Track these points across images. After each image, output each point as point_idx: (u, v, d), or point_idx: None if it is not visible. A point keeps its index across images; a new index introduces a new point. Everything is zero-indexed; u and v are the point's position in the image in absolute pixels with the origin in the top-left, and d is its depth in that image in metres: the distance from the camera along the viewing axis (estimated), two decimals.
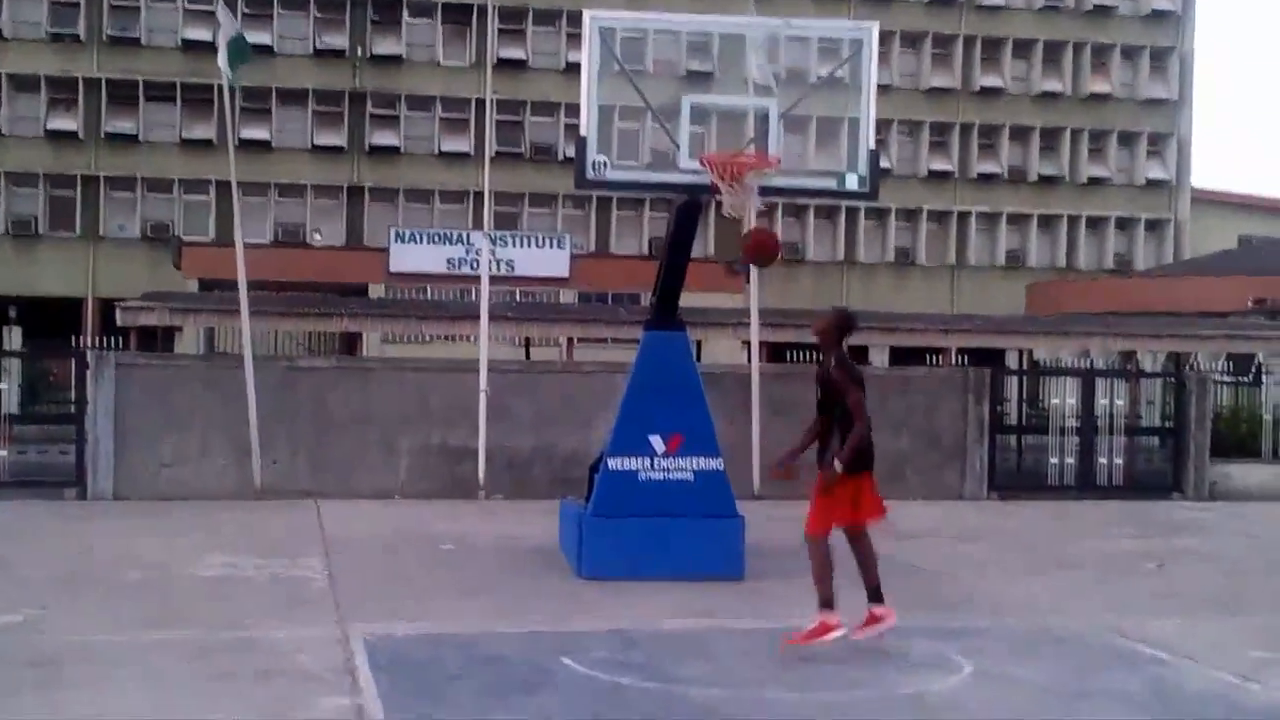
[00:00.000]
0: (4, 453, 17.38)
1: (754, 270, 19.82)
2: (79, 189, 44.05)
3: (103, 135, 44.06)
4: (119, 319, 25.01)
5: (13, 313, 37.16)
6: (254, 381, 16.78)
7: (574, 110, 12.95)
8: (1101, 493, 19.12)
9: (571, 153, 16.00)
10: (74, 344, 20.85)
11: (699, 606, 10.16)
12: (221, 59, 17.15)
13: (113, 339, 21.57)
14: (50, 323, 37.76)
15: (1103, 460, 19.45)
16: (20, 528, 14.27)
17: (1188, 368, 23.79)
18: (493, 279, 19.72)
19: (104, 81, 44.07)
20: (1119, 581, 12.21)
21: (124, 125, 44.26)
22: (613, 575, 11.21)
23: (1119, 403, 19.77)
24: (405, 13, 46.34)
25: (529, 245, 37.99)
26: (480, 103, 43.79)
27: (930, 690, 7.85)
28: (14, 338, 31.52)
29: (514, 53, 45.84)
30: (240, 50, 17.22)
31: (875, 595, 8.80)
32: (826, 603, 8.65)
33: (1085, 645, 9.29)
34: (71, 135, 43.81)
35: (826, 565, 8.75)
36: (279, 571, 11.67)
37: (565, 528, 12.63)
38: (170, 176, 44.20)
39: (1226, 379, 22.23)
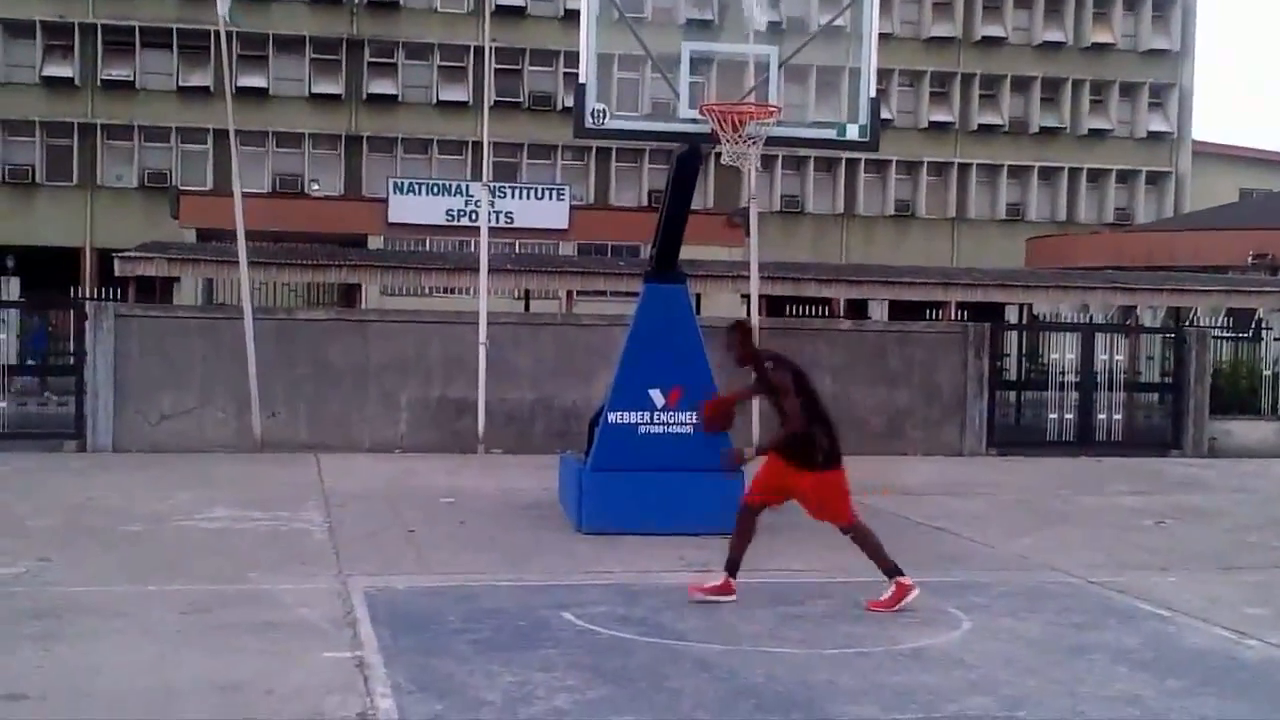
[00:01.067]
0: (3, 404, 17.38)
1: (754, 223, 19.78)
2: (76, 137, 43.80)
3: (99, 82, 43.78)
4: (117, 269, 24.93)
5: (10, 262, 37.04)
6: (253, 333, 16.76)
7: (573, 59, 12.87)
8: (1101, 449, 19.15)
9: (570, 102, 15.86)
10: (72, 294, 20.79)
11: (698, 561, 10.17)
12: (220, 3, 17.03)
13: (111, 289, 21.48)
14: (49, 273, 37.71)
15: (1102, 416, 19.48)
16: (20, 480, 14.28)
17: (1187, 323, 23.77)
18: (492, 230, 19.66)
19: (99, 27, 43.74)
20: (1118, 537, 12.24)
21: (121, 72, 43.97)
22: (612, 529, 11.22)
23: (1118, 358, 19.78)
24: None
25: (528, 197, 37.92)
26: (479, 50, 43.50)
27: (930, 645, 7.87)
28: (12, 288, 31.39)
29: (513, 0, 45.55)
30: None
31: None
32: (893, 570, 8.71)
33: (1084, 600, 9.32)
34: (68, 82, 43.53)
35: (872, 544, 8.82)
36: (279, 524, 11.68)
37: (565, 482, 12.64)
38: (168, 125, 43.95)
39: (1226, 334, 22.21)
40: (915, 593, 8.65)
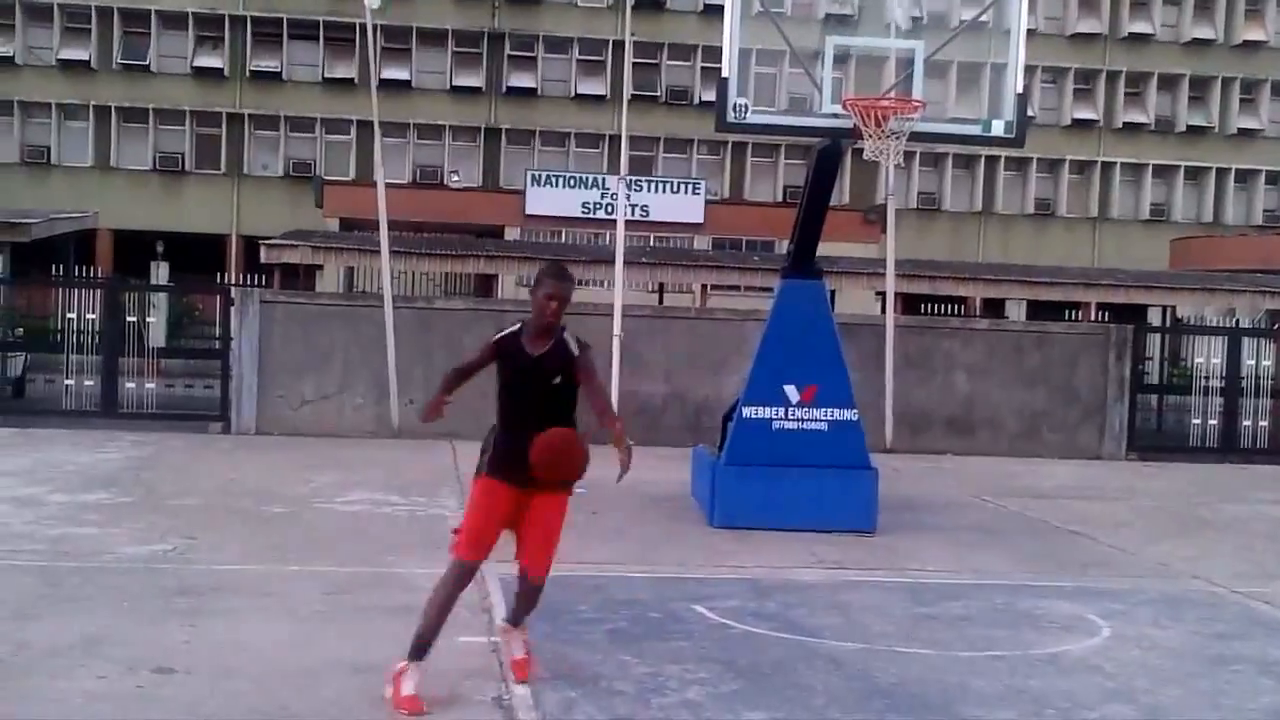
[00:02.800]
0: (152, 385, 17.88)
1: (891, 220, 19.60)
2: (224, 127, 44.87)
3: (247, 74, 44.78)
4: (263, 256, 25.49)
5: (160, 248, 38.09)
6: (392, 321, 17.03)
7: (710, 53, 12.89)
8: (1245, 456, 18.67)
9: (707, 96, 15.89)
10: (219, 280, 21.31)
11: (831, 558, 10.13)
12: None
13: (256, 276, 21.98)
14: (196, 259, 38.72)
15: (1247, 423, 18.99)
16: (168, 460, 14.69)
17: None
18: (627, 224, 19.74)
19: (249, 19, 44.74)
20: (1262, 547, 11.93)
21: (268, 64, 44.92)
22: (745, 524, 11.23)
23: (1265, 363, 19.26)
24: None
25: (664, 190, 37.97)
26: (618, 44, 43.71)
27: (1068, 651, 7.74)
28: (162, 273, 32.29)
29: None
30: None
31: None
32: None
33: (1227, 610, 9.10)
34: (217, 73, 44.58)
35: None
36: (416, 509, 11.87)
37: (698, 475, 12.66)
38: (313, 115, 44.82)
39: None
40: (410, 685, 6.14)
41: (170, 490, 12.47)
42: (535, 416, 6.42)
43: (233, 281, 21.02)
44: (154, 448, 15.46)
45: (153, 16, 44.12)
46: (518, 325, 6.58)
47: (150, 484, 12.82)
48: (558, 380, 6.49)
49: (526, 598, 6.59)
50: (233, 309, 17.41)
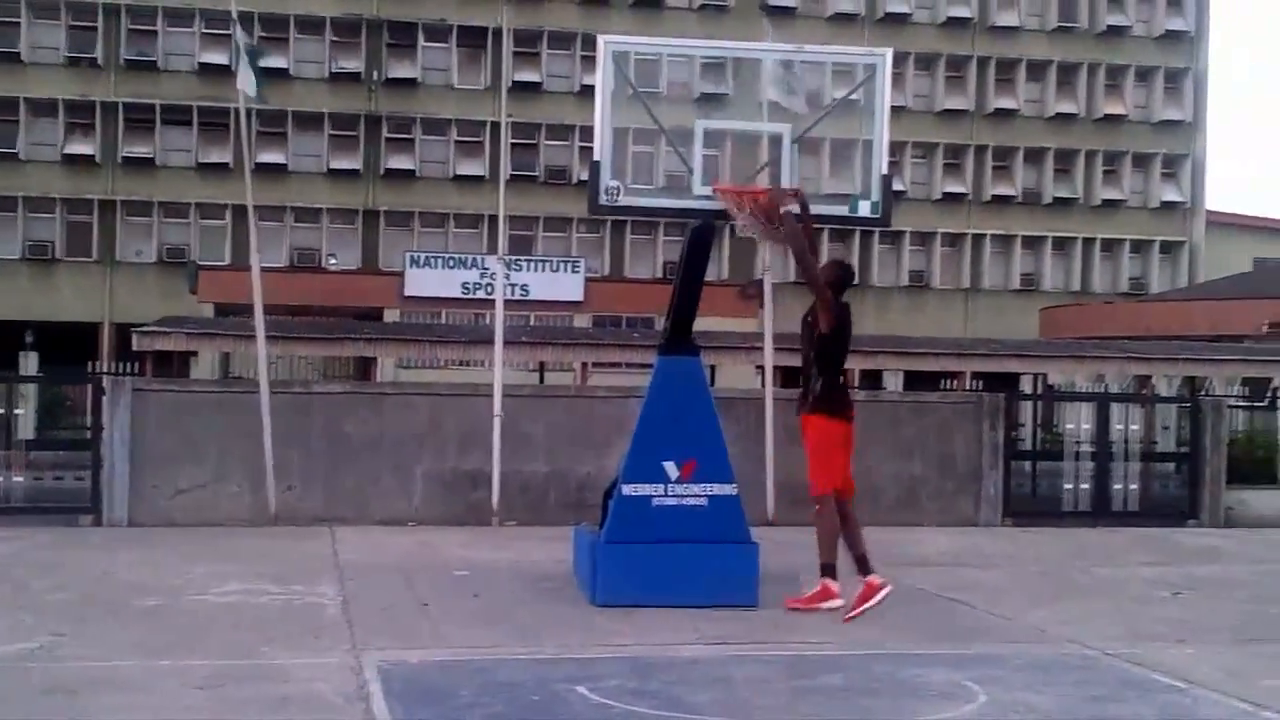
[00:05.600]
0: (20, 479, 17.43)
1: (768, 295, 19.86)
2: (96, 213, 44.30)
3: (120, 160, 44.32)
4: (135, 343, 25.08)
5: (29, 337, 37.30)
6: (269, 407, 16.82)
7: (589, 133, 13.01)
8: (1117, 519, 19.03)
9: (586, 176, 16.00)
10: (90, 369, 20.90)
11: (713, 634, 10.14)
12: (242, 79, 17.19)
13: (129, 364, 21.62)
14: (68, 348, 37.96)
15: (1118, 486, 19.36)
16: (36, 554, 14.29)
17: (1203, 392, 23.73)
18: (507, 303, 19.76)
19: (121, 105, 44.34)
20: (1135, 609, 12.16)
21: (141, 149, 44.53)
22: (627, 602, 11.19)
23: (1134, 428, 19.70)
24: (420, 36, 46.61)
25: (543, 269, 38.16)
26: (495, 126, 43.99)
27: (946, 719, 7.83)
28: (30, 363, 31.60)
29: (529, 75, 46.06)
30: (259, 72, 17.27)
31: (864, 565, 8.79)
32: (830, 569, 8.68)
33: (1101, 673, 9.26)
34: (89, 159, 44.07)
35: (836, 528, 8.81)
36: (293, 598, 11.68)
37: (579, 554, 12.62)
38: (187, 200, 44.47)
39: (1242, 403, 22.16)
40: (837, 603, 8.62)
41: (38, 586, 12.12)
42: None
43: (104, 370, 20.61)
44: (20, 543, 15.02)
45: (21, 104, 43.59)
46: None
47: (16, 580, 12.45)
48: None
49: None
50: (104, 398, 17.06)
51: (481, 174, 45.26)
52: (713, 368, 24.12)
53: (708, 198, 11.45)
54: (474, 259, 38.31)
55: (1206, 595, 13.09)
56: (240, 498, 17.19)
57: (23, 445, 17.58)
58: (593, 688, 8.31)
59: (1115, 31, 50.85)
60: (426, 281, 37.23)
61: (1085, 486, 19.34)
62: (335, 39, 45.99)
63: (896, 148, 35.09)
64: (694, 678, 8.73)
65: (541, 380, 30.95)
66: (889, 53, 12.04)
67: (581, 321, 37.16)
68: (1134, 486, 19.46)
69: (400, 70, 46.02)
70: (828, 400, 9.15)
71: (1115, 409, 19.83)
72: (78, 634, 9.87)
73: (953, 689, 8.55)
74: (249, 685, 8.29)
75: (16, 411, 17.70)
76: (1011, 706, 8.17)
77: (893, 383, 30.95)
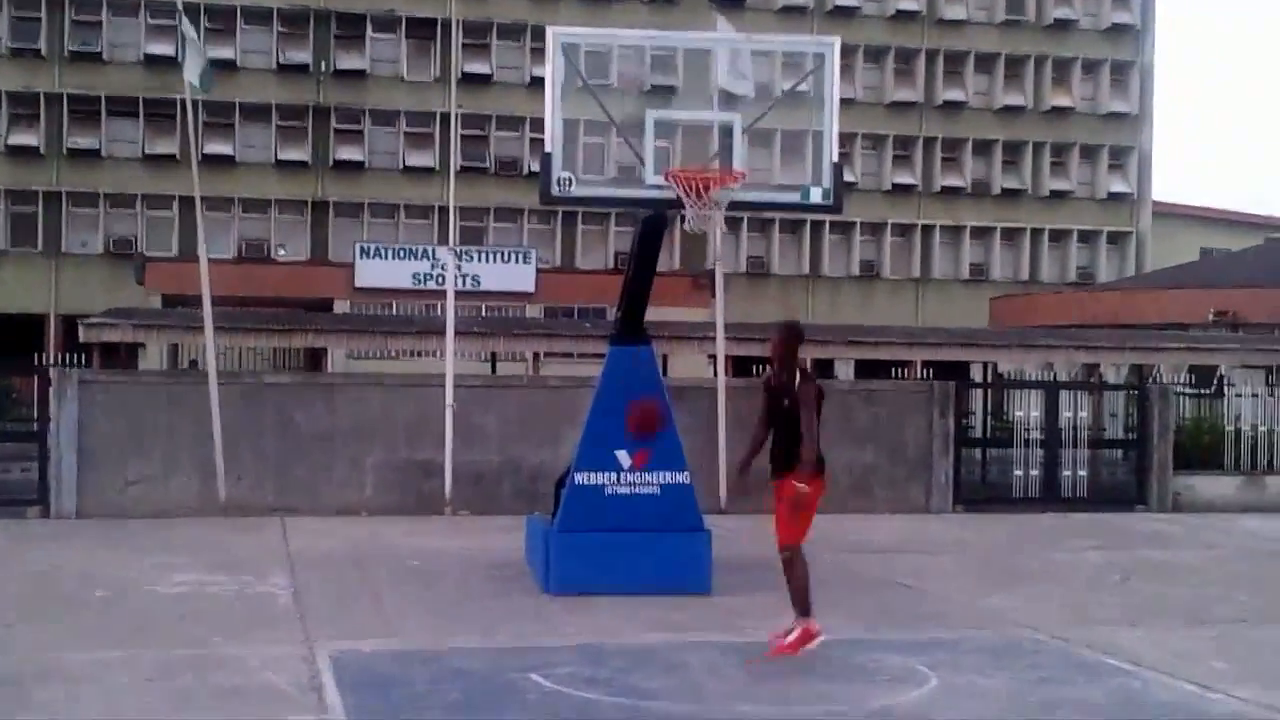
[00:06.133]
0: None
1: (720, 284, 19.88)
2: (41, 205, 43.79)
3: (65, 151, 43.83)
4: (82, 335, 24.80)
5: None
6: (218, 398, 16.69)
7: (539, 124, 12.98)
8: (1066, 505, 19.21)
9: (536, 167, 15.96)
10: (36, 361, 20.68)
11: (666, 621, 10.16)
12: (188, 72, 17.04)
13: (76, 355, 21.37)
14: (14, 340, 37.50)
15: (1067, 473, 19.54)
16: None
17: (1150, 380, 23.95)
18: (458, 294, 19.71)
19: (65, 97, 43.85)
20: (1084, 593, 12.28)
21: (86, 141, 44.04)
22: (580, 590, 11.20)
23: (1082, 415, 19.88)
24: (369, 28, 46.29)
25: (494, 260, 37.99)
26: (445, 117, 43.79)
27: (898, 703, 7.88)
28: None
29: (479, 67, 45.83)
30: (206, 69, 17.11)
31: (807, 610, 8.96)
32: (808, 610, 8.85)
33: (1050, 656, 9.34)
34: (33, 151, 43.56)
35: (807, 575, 8.98)
36: (244, 589, 11.61)
37: (532, 543, 12.62)
38: (133, 192, 43.99)
39: (1189, 391, 22.36)
40: (821, 639, 8.74)
41: None
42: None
43: (51, 361, 20.38)
44: None
45: None
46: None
47: None
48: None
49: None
50: (51, 390, 16.89)
51: (432, 165, 45.06)
52: (664, 357, 24.10)
53: (659, 188, 11.44)
54: (424, 250, 38.10)
55: (1155, 579, 13.24)
56: (190, 488, 17.06)
57: None
58: (546, 675, 8.31)
59: (1062, 24, 51.18)
60: (377, 272, 36.99)
61: (1035, 473, 19.51)
62: (283, 30, 45.63)
63: (846, 139, 35.13)
64: (647, 665, 8.74)
65: (494, 371, 30.85)
66: (837, 40, 12.07)
67: (533, 312, 37.04)
68: (1083, 473, 19.65)
69: (349, 61, 45.74)
70: (819, 466, 9.48)
71: (1064, 397, 20.00)
72: (28, 626, 9.78)
73: (905, 673, 8.61)
74: (200, 676, 8.24)
75: None
76: (963, 690, 8.24)
77: (844, 371, 31.09)
